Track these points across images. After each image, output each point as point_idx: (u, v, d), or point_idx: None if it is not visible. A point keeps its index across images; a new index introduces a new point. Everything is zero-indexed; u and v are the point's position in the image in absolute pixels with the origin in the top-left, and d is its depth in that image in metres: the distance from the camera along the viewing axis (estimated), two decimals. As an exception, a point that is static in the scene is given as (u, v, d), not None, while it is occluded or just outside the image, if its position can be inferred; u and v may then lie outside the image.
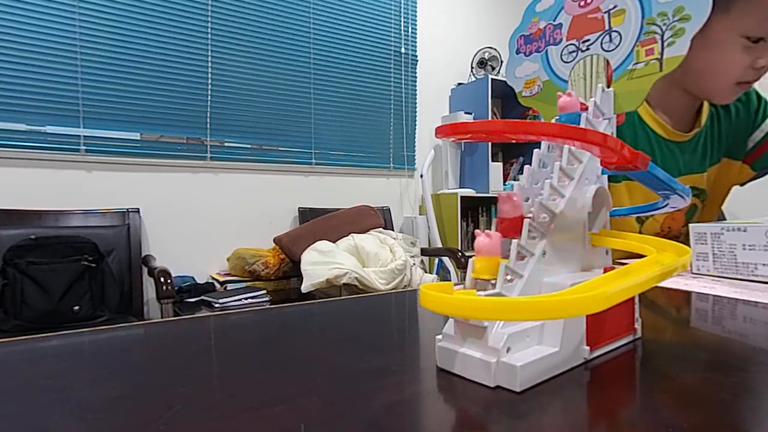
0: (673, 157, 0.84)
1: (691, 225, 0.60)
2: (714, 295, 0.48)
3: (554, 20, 0.39)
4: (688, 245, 0.34)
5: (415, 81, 2.83)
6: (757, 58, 0.69)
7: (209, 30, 2.15)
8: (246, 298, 1.80)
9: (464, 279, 0.28)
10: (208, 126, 2.15)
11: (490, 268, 0.26)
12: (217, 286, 1.99)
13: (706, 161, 0.87)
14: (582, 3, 0.36)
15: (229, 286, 1.97)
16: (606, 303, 0.20)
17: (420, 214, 2.79)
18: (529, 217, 0.28)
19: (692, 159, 0.86)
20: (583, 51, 0.36)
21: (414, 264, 2.09)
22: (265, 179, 2.34)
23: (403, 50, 2.76)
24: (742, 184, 0.92)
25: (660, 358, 0.30)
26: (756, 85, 0.77)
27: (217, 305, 1.74)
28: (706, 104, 0.85)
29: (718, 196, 0.93)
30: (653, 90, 0.95)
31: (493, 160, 2.72)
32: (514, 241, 0.27)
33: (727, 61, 0.71)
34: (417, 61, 2.83)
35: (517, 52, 0.42)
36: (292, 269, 2.03)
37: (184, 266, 2.06)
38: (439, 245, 2.61)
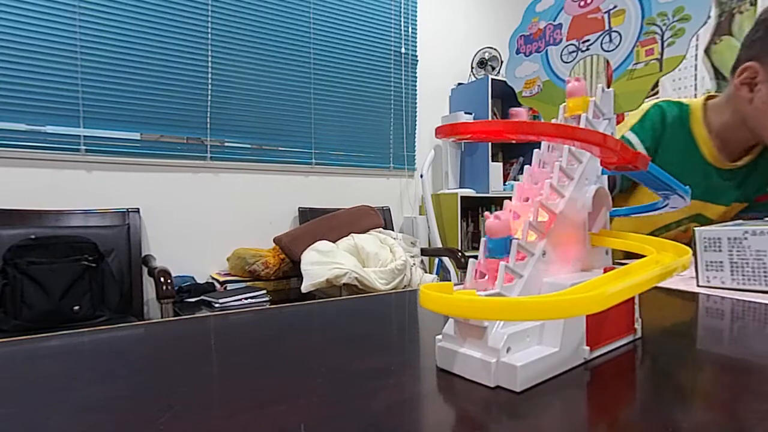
0: (705, 180, 0.85)
1: (697, 229, 0.54)
2: (714, 295, 0.48)
3: (554, 20, 0.39)
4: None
5: (415, 81, 2.83)
6: None
7: (209, 30, 2.14)
8: (246, 298, 1.80)
9: (464, 279, 0.28)
10: (208, 126, 2.15)
11: (581, 104, 0.32)
12: (217, 286, 1.99)
13: (732, 196, 0.87)
14: (582, 3, 0.36)
15: (229, 286, 1.97)
16: (606, 303, 0.20)
17: (420, 214, 2.79)
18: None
19: (721, 189, 0.86)
20: (583, 51, 0.37)
21: (414, 264, 2.09)
22: (265, 179, 2.34)
23: (403, 50, 2.76)
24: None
25: (660, 358, 0.30)
26: None
27: (217, 305, 1.74)
28: (759, 147, 0.85)
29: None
30: (718, 115, 0.85)
31: (493, 160, 2.72)
32: (515, 241, 0.27)
33: None
34: (417, 61, 2.83)
35: (517, 52, 0.42)
36: (292, 269, 2.03)
37: (184, 266, 2.06)
38: (439, 245, 2.61)
